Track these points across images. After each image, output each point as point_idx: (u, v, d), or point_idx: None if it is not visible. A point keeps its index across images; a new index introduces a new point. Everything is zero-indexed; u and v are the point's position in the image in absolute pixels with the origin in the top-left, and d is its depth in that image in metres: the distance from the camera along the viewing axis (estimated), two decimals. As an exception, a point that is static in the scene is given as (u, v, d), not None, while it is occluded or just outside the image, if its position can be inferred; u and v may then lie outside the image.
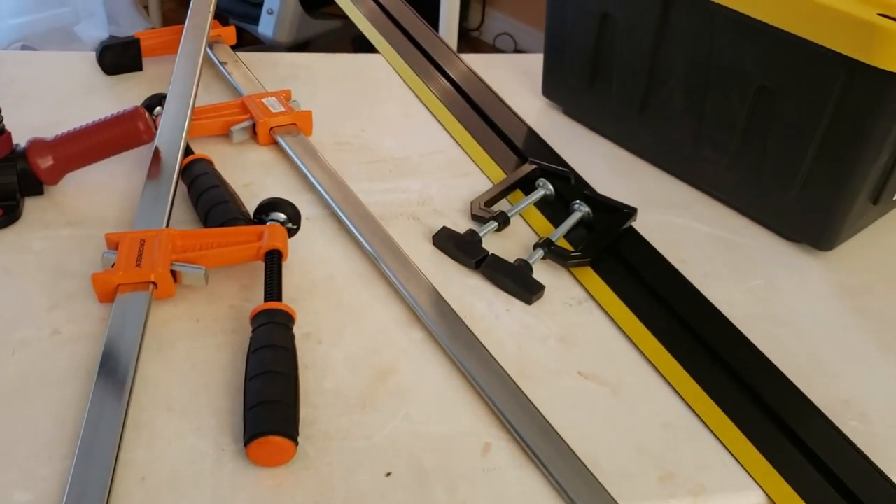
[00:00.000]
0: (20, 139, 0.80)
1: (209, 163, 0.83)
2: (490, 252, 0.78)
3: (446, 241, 0.79)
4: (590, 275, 0.78)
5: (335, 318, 0.71)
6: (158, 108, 0.90)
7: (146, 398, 0.62)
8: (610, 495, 0.58)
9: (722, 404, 0.66)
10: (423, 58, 1.12)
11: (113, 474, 0.55)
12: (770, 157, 0.82)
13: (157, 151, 0.82)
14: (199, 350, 0.67)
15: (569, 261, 0.78)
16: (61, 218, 0.79)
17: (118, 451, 0.57)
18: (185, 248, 0.71)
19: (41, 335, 0.67)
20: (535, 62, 1.08)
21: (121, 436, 0.58)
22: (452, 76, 1.08)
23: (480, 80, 1.07)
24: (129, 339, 0.65)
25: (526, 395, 0.65)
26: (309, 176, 0.86)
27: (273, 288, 0.68)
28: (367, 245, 0.78)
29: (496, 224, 0.81)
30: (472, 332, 0.70)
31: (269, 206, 0.75)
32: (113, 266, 0.69)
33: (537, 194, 0.86)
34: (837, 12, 0.70)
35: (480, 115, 1.01)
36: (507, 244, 0.81)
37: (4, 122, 0.77)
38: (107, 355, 0.63)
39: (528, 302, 0.74)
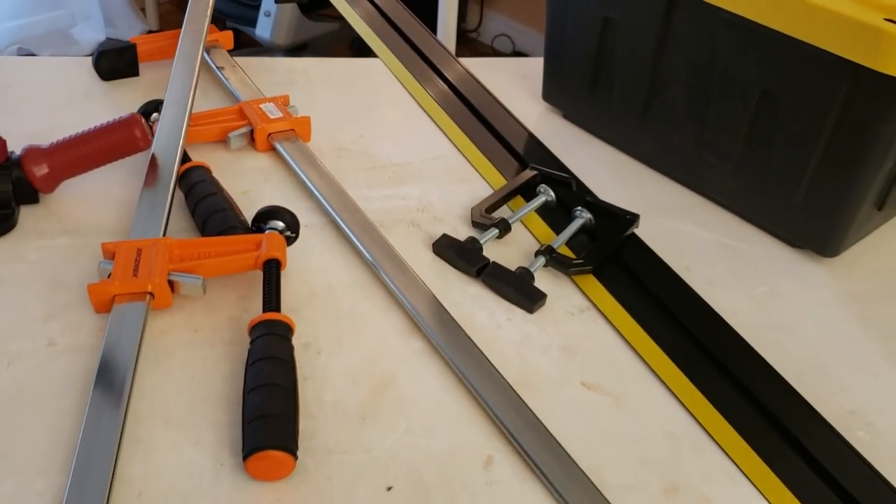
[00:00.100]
0: (15, 146, 0.79)
1: (207, 170, 0.82)
2: (491, 260, 0.77)
3: (447, 249, 0.78)
4: (592, 283, 0.77)
5: (334, 328, 0.70)
6: (155, 115, 0.89)
7: (143, 411, 0.62)
8: (614, 509, 0.57)
9: (727, 415, 0.65)
10: (421, 61, 1.11)
11: (110, 489, 0.55)
12: (774, 163, 0.81)
13: (153, 159, 0.81)
14: (197, 361, 0.66)
15: (571, 269, 0.77)
16: (57, 227, 0.78)
17: (115, 466, 0.56)
18: (182, 258, 0.70)
19: (36, 347, 0.66)
20: (535, 66, 1.07)
21: (118, 450, 0.57)
22: (451, 79, 1.07)
23: (480, 84, 1.07)
24: (125, 351, 0.64)
25: (528, 407, 0.64)
26: (307, 183, 0.85)
27: (271, 298, 0.67)
28: (366, 253, 0.77)
29: (497, 231, 0.81)
30: (473, 342, 0.69)
31: (268, 215, 0.75)
32: (109, 276, 0.68)
33: (538, 201, 0.85)
34: (843, 17, 0.69)
35: (480, 119, 1.00)
36: (508, 251, 0.80)
37: (-1, 129, 0.77)
38: (103, 367, 0.62)
39: (530, 311, 0.73)
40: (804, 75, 0.75)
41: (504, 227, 0.81)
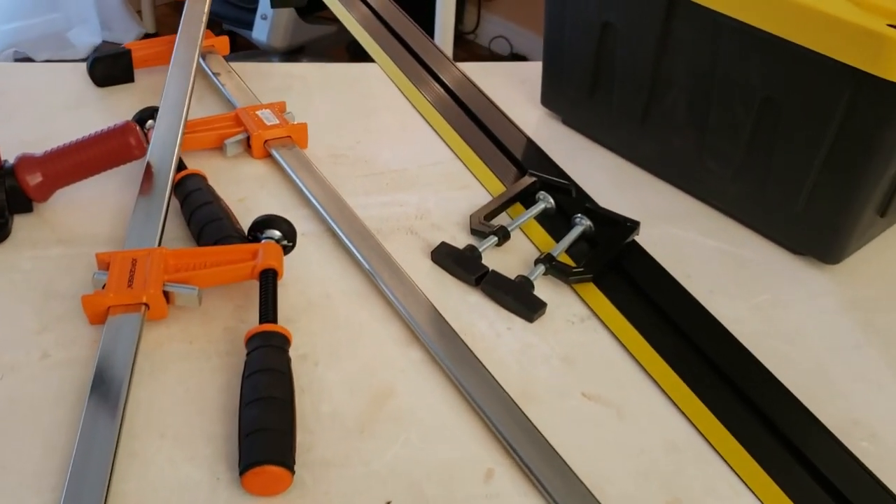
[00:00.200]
0: (9, 154, 0.78)
1: (202, 178, 0.81)
2: (490, 268, 0.76)
3: (445, 258, 0.77)
4: (592, 291, 0.76)
5: (332, 339, 0.69)
6: (150, 122, 0.88)
7: (138, 424, 0.61)
8: (617, 523, 0.57)
9: (730, 426, 0.64)
10: (418, 65, 1.10)
11: (104, 506, 0.54)
12: (775, 169, 0.80)
13: (148, 167, 0.80)
14: (193, 373, 0.65)
15: (571, 277, 0.76)
16: (51, 236, 0.77)
17: (110, 481, 0.55)
18: (177, 268, 0.70)
19: (30, 359, 0.65)
20: (533, 70, 1.06)
21: (112, 464, 0.56)
22: (448, 84, 1.06)
23: (478, 88, 1.06)
24: (120, 363, 0.63)
25: (528, 419, 0.63)
26: (304, 190, 0.84)
27: (268, 309, 0.67)
28: (364, 262, 0.76)
29: (496, 239, 0.80)
30: (472, 352, 0.68)
31: (264, 224, 0.74)
32: (104, 287, 0.67)
33: (538, 208, 0.85)
34: (845, 23, 0.68)
35: (478, 125, 1.00)
36: (507, 259, 0.79)
37: (-8, 137, 0.76)
38: (98, 380, 0.62)
39: (530, 320, 0.73)
40: (806, 81, 0.74)
41: (503, 235, 0.80)
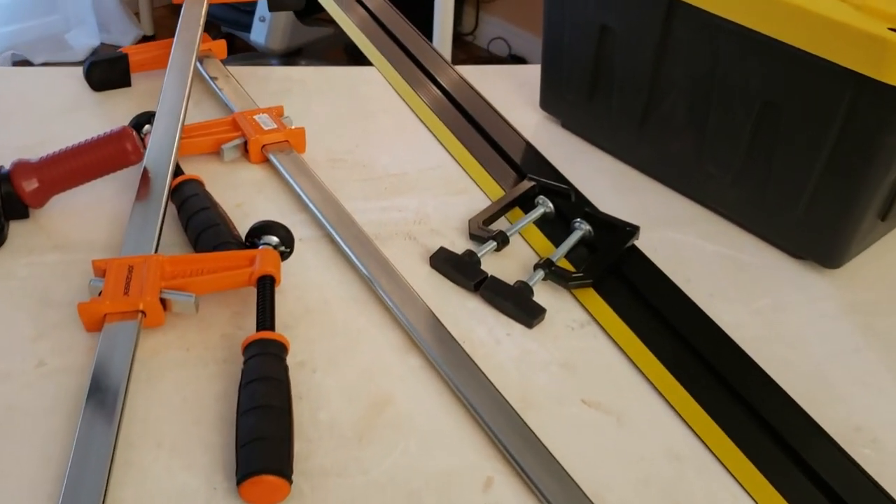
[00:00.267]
0: (4, 160, 0.78)
1: (199, 183, 0.81)
2: (489, 274, 0.76)
3: (444, 263, 0.77)
4: (592, 296, 0.76)
5: (330, 346, 0.69)
6: (147, 127, 0.87)
7: (135, 433, 0.60)
8: (617, 532, 0.56)
9: (731, 433, 0.64)
10: (416, 68, 1.10)
11: (100, 515, 0.53)
12: (775, 174, 0.80)
13: (145, 172, 0.80)
14: (190, 381, 0.65)
15: (570, 282, 0.76)
16: (47, 242, 0.77)
17: (106, 490, 0.55)
18: (174, 275, 0.69)
19: (25, 367, 0.65)
20: (532, 73, 1.05)
21: (109, 473, 0.56)
22: (446, 87, 1.06)
23: (476, 92, 1.05)
24: (116, 371, 0.62)
25: (528, 426, 0.62)
26: (302, 195, 0.83)
27: (265, 316, 0.66)
28: (362, 267, 0.75)
29: (495, 244, 0.79)
30: (471, 359, 0.68)
31: (261, 230, 0.73)
32: (100, 294, 0.67)
33: (537, 212, 0.84)
34: (846, 27, 0.68)
35: (477, 128, 0.99)
36: (506, 265, 0.79)
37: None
38: (94, 388, 0.61)
39: (529, 326, 0.72)
40: (807, 85, 0.74)
41: (502, 240, 0.80)
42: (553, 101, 1.02)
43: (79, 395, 0.61)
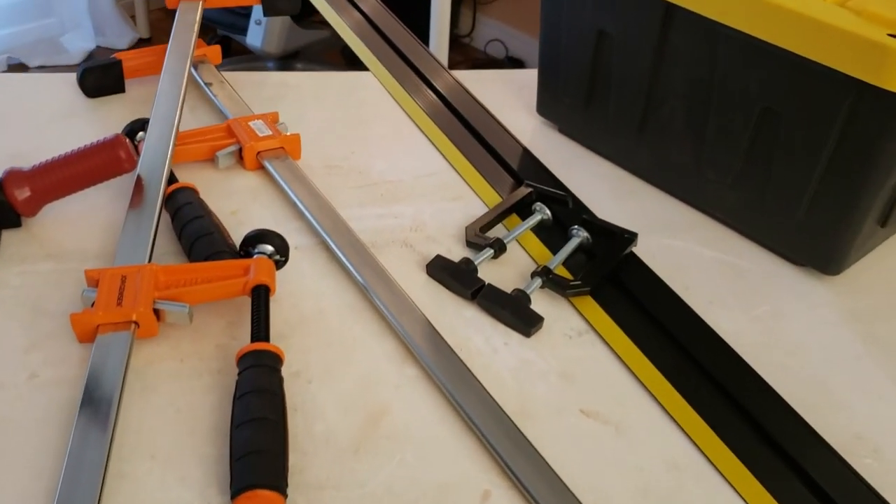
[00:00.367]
0: (-4, 168, 0.77)
1: (194, 191, 0.80)
2: (486, 282, 0.75)
3: (441, 271, 0.76)
4: (590, 304, 0.75)
5: (325, 355, 0.68)
6: (141, 133, 0.87)
7: (128, 446, 0.60)
8: (616, 546, 0.56)
9: (730, 443, 0.63)
10: (412, 73, 1.09)
11: (93, 531, 0.53)
12: (774, 180, 0.79)
13: (139, 180, 0.79)
14: (184, 393, 0.64)
15: (568, 290, 0.75)
16: (40, 251, 0.76)
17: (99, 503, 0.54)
18: (168, 284, 0.68)
19: (17, 379, 0.64)
20: (529, 78, 1.05)
21: (101, 486, 0.55)
22: (442, 92, 1.05)
23: (473, 97, 1.05)
24: (110, 382, 0.62)
25: (526, 437, 0.62)
26: (297, 203, 0.83)
27: (260, 327, 0.65)
28: (357, 276, 0.75)
29: (492, 251, 0.79)
30: (468, 369, 0.67)
31: (256, 239, 0.73)
32: (93, 305, 0.66)
33: (534, 219, 0.83)
34: (845, 33, 0.67)
35: (473, 134, 0.98)
36: (503, 272, 0.78)
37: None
38: (87, 399, 0.60)
39: (527, 335, 0.72)
40: (806, 91, 0.73)
41: (499, 247, 0.79)
42: (550, 106, 1.01)
43: (71, 407, 0.60)
